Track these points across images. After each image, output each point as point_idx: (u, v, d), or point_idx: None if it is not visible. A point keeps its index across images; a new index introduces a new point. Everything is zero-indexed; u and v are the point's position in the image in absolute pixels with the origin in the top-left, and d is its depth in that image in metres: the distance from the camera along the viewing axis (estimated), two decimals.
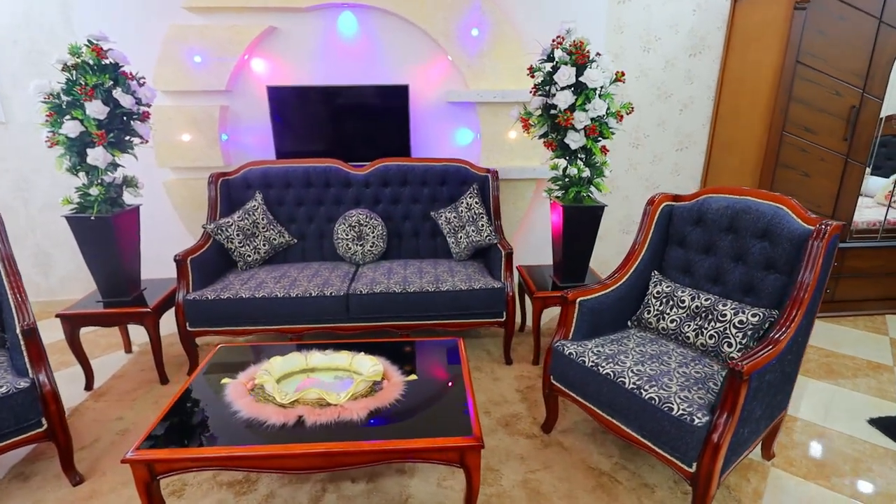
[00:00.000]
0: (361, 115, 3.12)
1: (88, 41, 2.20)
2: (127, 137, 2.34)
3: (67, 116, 2.14)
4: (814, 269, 1.64)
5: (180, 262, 2.47)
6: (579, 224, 2.53)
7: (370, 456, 1.43)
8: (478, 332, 3.07)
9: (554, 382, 2.01)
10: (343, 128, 3.14)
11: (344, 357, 1.81)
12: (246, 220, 2.79)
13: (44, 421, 1.73)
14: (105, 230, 2.32)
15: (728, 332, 1.81)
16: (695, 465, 1.52)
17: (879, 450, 2.05)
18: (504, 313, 2.59)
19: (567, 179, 2.53)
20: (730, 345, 1.79)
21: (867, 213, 3.25)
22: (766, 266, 1.85)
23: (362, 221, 2.85)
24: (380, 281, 2.57)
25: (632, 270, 2.13)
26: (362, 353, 1.81)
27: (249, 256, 2.78)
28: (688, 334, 1.93)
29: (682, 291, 2.00)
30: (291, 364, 1.78)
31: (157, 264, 3.03)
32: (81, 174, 2.32)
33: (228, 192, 2.92)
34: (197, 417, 1.58)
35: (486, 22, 3.04)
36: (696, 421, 1.49)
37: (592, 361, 1.81)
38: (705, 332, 1.87)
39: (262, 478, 1.87)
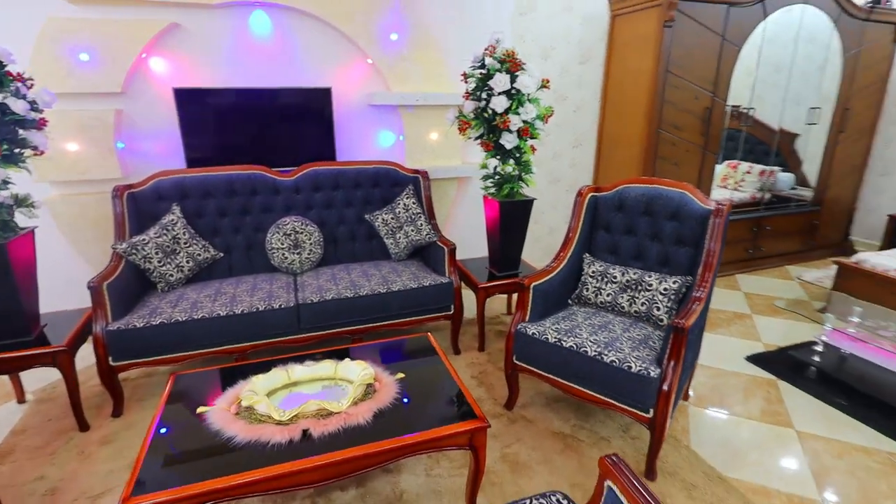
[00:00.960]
0: (283, 118, 2.99)
1: None
2: (17, 149, 2.00)
3: None
4: (717, 240, 2.05)
5: (95, 288, 2.17)
6: (513, 217, 2.76)
7: (389, 454, 1.47)
8: (421, 327, 3.16)
9: (517, 362, 2.20)
10: (263, 133, 2.99)
11: (327, 366, 1.79)
12: (165, 236, 2.53)
13: None
14: (6, 259, 1.96)
15: (655, 298, 2.16)
16: (652, 410, 1.82)
17: (758, 379, 2.61)
18: (452, 306, 2.73)
19: (498, 177, 2.74)
20: (658, 308, 2.15)
21: (714, 194, 4.00)
22: (677, 241, 2.25)
23: (298, 229, 2.76)
24: (328, 288, 2.53)
25: (569, 254, 2.41)
26: (347, 360, 1.81)
27: (172, 276, 2.53)
28: (622, 304, 2.25)
29: (613, 269, 2.32)
30: (274, 381, 1.71)
31: (44, 295, 2.60)
32: None
33: (136, 207, 2.61)
34: (185, 450, 1.46)
35: (405, 26, 3.12)
36: (652, 373, 1.79)
37: (555, 338, 2.04)
38: (637, 301, 2.21)
39: (244, 502, 1.78)
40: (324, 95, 3.01)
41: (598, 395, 1.96)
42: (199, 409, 1.61)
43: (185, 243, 2.59)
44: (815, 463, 2.02)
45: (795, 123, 4.13)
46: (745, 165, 4.16)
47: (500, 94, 2.37)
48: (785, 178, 4.36)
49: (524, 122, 2.44)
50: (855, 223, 4.68)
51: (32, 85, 2.05)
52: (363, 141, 3.34)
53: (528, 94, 2.46)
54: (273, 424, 1.51)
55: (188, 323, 2.24)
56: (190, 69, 2.85)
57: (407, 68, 3.19)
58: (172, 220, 2.59)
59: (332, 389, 1.74)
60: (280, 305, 2.38)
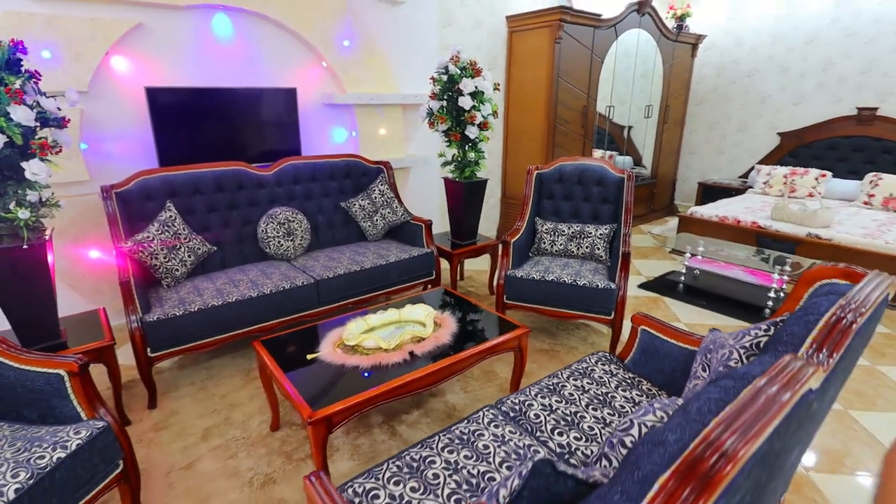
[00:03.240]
0: (252, 117, 3.17)
1: None
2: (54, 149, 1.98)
3: None
4: (630, 195, 2.95)
5: (126, 283, 2.23)
6: (472, 195, 3.39)
7: (474, 358, 1.99)
8: (407, 294, 3.61)
9: (507, 301, 2.85)
10: (234, 131, 3.12)
11: (393, 313, 2.22)
12: (167, 233, 2.59)
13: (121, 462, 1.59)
14: (36, 261, 1.94)
15: (595, 242, 3.00)
16: (613, 313, 2.63)
17: (650, 297, 3.66)
18: (433, 272, 3.25)
19: (457, 163, 3.35)
20: (598, 249, 2.99)
21: None
22: (602, 201, 3.12)
23: (290, 218, 3.01)
24: (333, 266, 2.86)
25: (527, 218, 3.13)
26: (408, 305, 2.25)
27: (178, 271, 2.61)
28: (572, 250, 3.05)
29: (561, 225, 3.11)
30: (360, 327, 2.09)
31: None
32: None
33: (124, 207, 2.60)
34: (326, 380, 1.80)
35: (355, 34, 3.51)
36: (612, 287, 2.59)
37: (539, 275, 2.73)
38: (582, 245, 3.03)
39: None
40: (290, 95, 3.26)
41: (574, 312, 2.71)
42: (310, 356, 1.93)
43: (186, 238, 2.68)
44: None
45: (636, 119, 5.49)
46: (606, 153, 5.40)
47: (467, 94, 2.98)
48: (621, 161, 5.71)
49: (483, 117, 3.09)
50: (676, 190, 6.34)
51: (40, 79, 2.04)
52: (319, 137, 3.64)
53: (485, 95, 3.11)
54: (383, 353, 1.92)
55: (223, 307, 2.41)
56: (154, 69, 2.88)
57: (358, 71, 3.59)
58: (171, 216, 2.65)
59: (402, 328, 2.17)
60: (302, 283, 2.66)
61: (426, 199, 4.24)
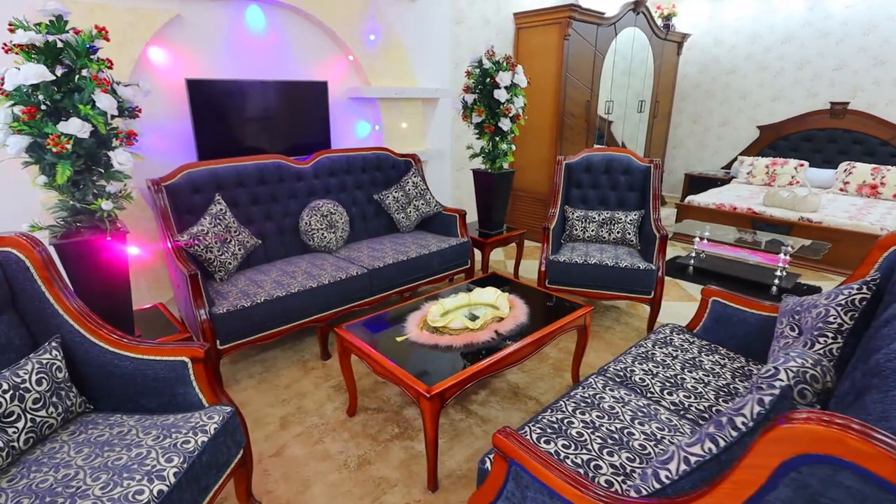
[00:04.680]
0: (286, 110, 3.16)
1: (55, 16, 1.75)
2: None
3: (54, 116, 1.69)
4: (658, 182, 3.14)
5: (194, 276, 2.21)
6: (502, 185, 3.50)
7: (554, 334, 2.10)
8: (444, 283, 3.67)
9: (549, 285, 2.97)
10: (269, 124, 3.11)
11: (463, 296, 2.29)
12: (219, 226, 2.57)
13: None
14: (117, 253, 1.91)
15: (626, 228, 3.17)
16: (653, 292, 2.80)
17: (666, 280, 3.88)
18: (468, 261, 3.34)
19: (485, 154, 3.45)
20: (629, 234, 3.16)
21: None
22: (629, 188, 3.29)
23: (332, 210, 3.03)
24: (380, 256, 2.90)
25: (559, 205, 3.27)
26: (477, 289, 2.34)
27: (230, 264, 2.59)
28: (603, 235, 3.21)
29: (591, 213, 3.26)
30: (439, 311, 2.16)
31: None
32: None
33: (172, 200, 2.56)
34: (424, 359, 1.86)
35: (379, 29, 3.54)
36: (652, 268, 2.76)
37: (581, 259, 2.87)
38: (613, 231, 3.19)
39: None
40: (322, 88, 3.26)
41: (615, 293, 2.87)
42: (399, 338, 1.99)
43: (235, 231, 2.66)
44: None
45: (630, 114, 5.74)
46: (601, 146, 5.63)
47: (503, 87, 3.08)
48: None
49: (518, 109, 3.20)
50: (663, 182, 6.67)
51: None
52: (345, 131, 3.65)
53: (518, 88, 3.22)
54: (471, 332, 2.00)
55: (287, 298, 2.42)
56: (191, 61, 2.83)
57: (382, 65, 3.62)
58: (221, 209, 2.62)
59: (478, 310, 2.25)
60: (357, 272, 2.69)
61: (441, 191, 4.31)
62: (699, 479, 0.87)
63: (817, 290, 3.67)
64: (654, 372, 1.70)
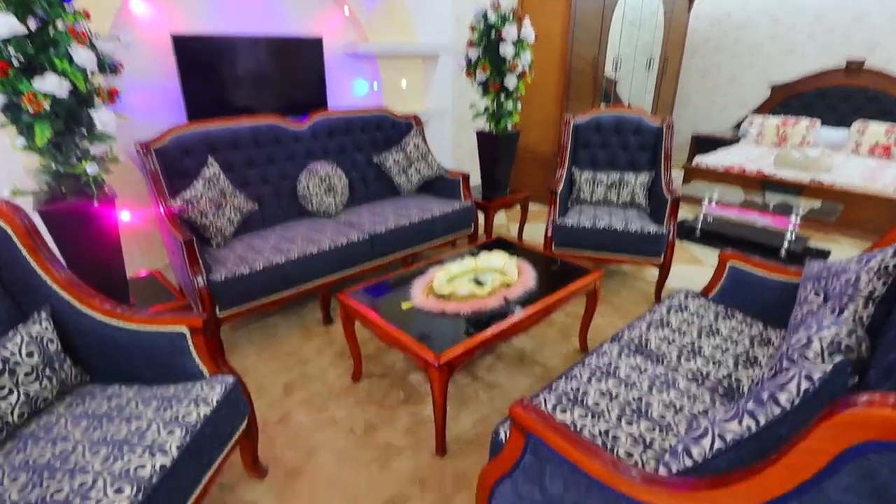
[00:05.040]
0: (279, 67, 2.99)
1: None
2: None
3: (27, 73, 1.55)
4: (669, 141, 3.02)
5: (190, 243, 2.11)
6: (506, 146, 3.37)
7: (565, 299, 2.04)
8: (446, 248, 3.60)
9: (555, 249, 2.89)
10: (261, 82, 2.94)
11: (469, 261, 2.22)
12: (213, 190, 2.46)
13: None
14: (106, 219, 1.81)
15: (635, 191, 3.06)
16: (663, 256, 2.73)
17: None
18: (472, 225, 3.25)
19: (489, 114, 3.30)
20: (639, 196, 3.06)
21: None
22: (640, 148, 3.17)
23: (330, 174, 2.91)
24: (381, 221, 2.81)
25: (566, 166, 3.15)
26: (483, 253, 2.26)
27: (226, 230, 2.50)
28: (611, 198, 3.11)
29: (600, 174, 3.15)
30: (445, 276, 2.08)
31: None
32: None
33: (163, 163, 2.44)
34: (431, 326, 1.80)
35: None
36: (663, 231, 2.68)
37: (591, 223, 2.78)
38: (622, 194, 3.09)
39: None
40: (316, 45, 3.08)
41: (623, 257, 2.80)
42: (405, 305, 1.92)
43: (231, 196, 2.55)
44: None
45: (638, 71, 5.52)
46: (603, 105, 5.44)
47: (510, 42, 2.90)
48: None
49: (524, 66, 3.03)
50: None
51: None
52: (341, 90, 3.48)
53: (526, 43, 3.04)
54: (479, 299, 1.93)
55: (286, 264, 2.34)
56: (175, 14, 2.65)
57: (380, 20, 3.41)
58: (215, 173, 2.51)
59: (482, 276, 2.18)
60: (358, 238, 2.61)
61: (443, 153, 4.18)
62: (735, 458, 0.81)
63: (826, 253, 3.61)
64: (671, 339, 1.64)
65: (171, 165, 2.47)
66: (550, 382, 1.43)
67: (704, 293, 1.99)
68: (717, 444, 0.84)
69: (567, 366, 2.30)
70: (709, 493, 0.72)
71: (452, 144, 4.43)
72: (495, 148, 3.31)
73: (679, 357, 1.55)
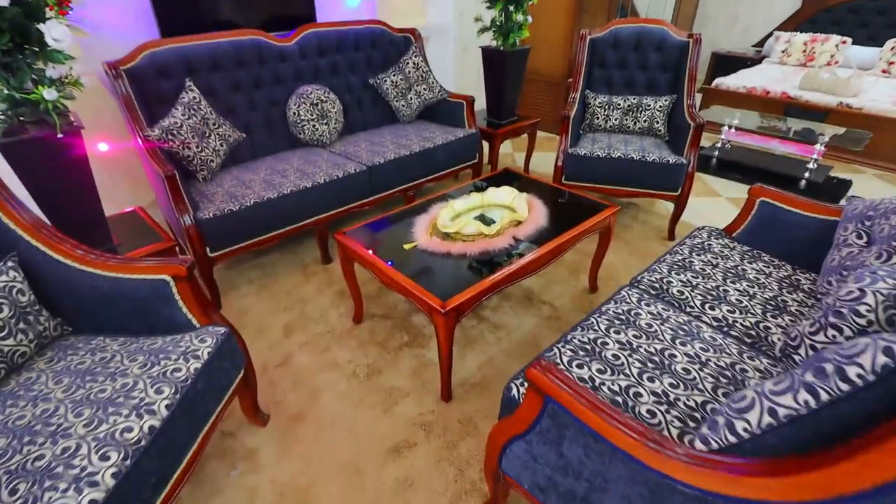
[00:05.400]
0: None
1: None
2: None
3: None
4: (695, 61, 2.73)
5: (173, 177, 1.94)
6: (515, 65, 3.07)
7: (580, 235, 1.91)
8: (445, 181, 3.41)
9: (565, 182, 2.71)
10: None
11: (476, 197, 2.06)
12: (194, 118, 2.23)
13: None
14: (73, 153, 1.63)
15: (654, 116, 2.82)
16: (680, 189, 2.56)
17: None
18: (476, 155, 3.04)
19: (498, 28, 2.97)
20: (657, 122, 2.82)
21: None
22: (661, 68, 2.88)
23: (322, 97, 2.65)
24: (380, 151, 2.60)
25: (580, 89, 2.88)
26: (490, 188, 2.09)
27: (213, 162, 2.31)
28: (628, 125, 2.88)
29: (616, 98, 2.89)
30: (450, 214, 1.94)
31: None
32: None
33: (136, 87, 2.19)
34: (436, 270, 1.69)
35: None
36: (682, 162, 2.49)
37: (605, 153, 2.58)
38: (640, 120, 2.85)
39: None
40: None
41: (638, 190, 2.63)
42: (407, 246, 1.79)
43: (214, 124, 2.33)
44: None
45: None
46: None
47: None
48: None
49: None
50: None
51: None
52: (331, 1, 3.11)
53: None
54: (486, 238, 1.80)
55: (279, 199, 2.18)
56: None
57: None
58: (195, 98, 2.27)
59: (489, 212, 2.03)
60: (355, 170, 2.42)
61: (444, 75, 3.85)
62: (788, 436, 0.72)
63: (848, 183, 3.43)
64: (694, 283, 1.53)
65: (146, 90, 2.23)
66: (565, 333, 1.34)
67: (728, 231, 1.86)
68: (766, 418, 0.74)
69: (576, 306, 2.22)
70: (765, 481, 0.63)
71: (455, 66, 4.07)
72: (502, 66, 3.02)
73: (703, 304, 1.45)
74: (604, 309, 1.41)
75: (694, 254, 1.68)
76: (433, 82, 3.01)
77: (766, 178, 3.43)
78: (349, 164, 2.45)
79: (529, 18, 2.99)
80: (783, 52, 5.10)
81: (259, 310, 2.20)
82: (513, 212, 2.00)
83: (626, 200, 3.16)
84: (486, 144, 3.22)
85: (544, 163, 3.77)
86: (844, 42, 4.77)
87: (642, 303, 1.43)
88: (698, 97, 4.70)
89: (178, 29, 2.42)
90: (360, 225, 1.98)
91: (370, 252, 1.77)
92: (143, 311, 1.36)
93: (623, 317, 1.37)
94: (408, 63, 2.97)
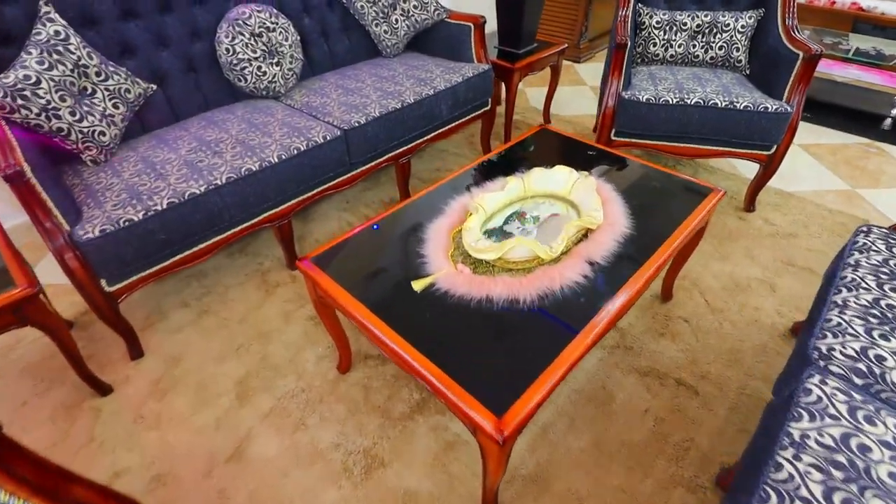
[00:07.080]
0: None
1: None
2: None
3: None
4: None
5: (18, 174, 1.16)
6: None
7: (687, 250, 1.24)
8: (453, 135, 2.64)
9: (615, 138, 1.99)
10: None
11: (516, 184, 1.33)
12: (62, 65, 1.40)
13: None
14: None
15: (734, 38, 2.05)
16: (774, 147, 1.87)
17: None
18: (489, 100, 2.26)
19: None
20: (737, 49, 2.06)
21: None
22: None
23: (267, 24, 1.80)
24: (357, 104, 1.81)
25: (631, 4, 2.06)
26: (534, 169, 1.36)
27: (104, 134, 1.50)
28: (696, 53, 2.11)
29: (680, 15, 2.09)
30: (481, 221, 1.22)
31: None
32: None
33: None
34: (470, 337, 1.02)
35: None
36: (788, 109, 1.77)
37: (676, 97, 1.84)
38: (714, 45, 2.08)
39: None
40: None
41: (714, 148, 1.93)
42: (418, 285, 1.10)
43: (99, 74, 1.50)
44: (825, 161, 2.44)
45: None
46: None
47: None
48: None
49: None
50: None
51: None
52: None
53: None
54: (545, 266, 1.12)
55: (208, 194, 1.42)
56: None
57: None
58: (57, 31, 1.42)
59: (533, 209, 1.33)
60: (324, 137, 1.65)
61: None
62: None
63: None
64: None
65: None
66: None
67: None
68: None
69: (649, 326, 1.59)
70: None
71: None
72: None
73: None
74: (791, 428, 0.78)
75: (887, 287, 1.04)
76: None
77: (842, 117, 2.75)
78: (315, 128, 1.67)
79: None
80: None
81: (198, 355, 1.52)
82: (570, 206, 1.30)
83: (674, 160, 2.45)
84: (503, 83, 2.42)
85: (565, 105, 2.98)
86: None
87: (859, 413, 0.80)
88: None
89: None
90: (338, 241, 1.27)
91: (359, 302, 1.07)
92: None
93: (841, 457, 0.74)
94: None
